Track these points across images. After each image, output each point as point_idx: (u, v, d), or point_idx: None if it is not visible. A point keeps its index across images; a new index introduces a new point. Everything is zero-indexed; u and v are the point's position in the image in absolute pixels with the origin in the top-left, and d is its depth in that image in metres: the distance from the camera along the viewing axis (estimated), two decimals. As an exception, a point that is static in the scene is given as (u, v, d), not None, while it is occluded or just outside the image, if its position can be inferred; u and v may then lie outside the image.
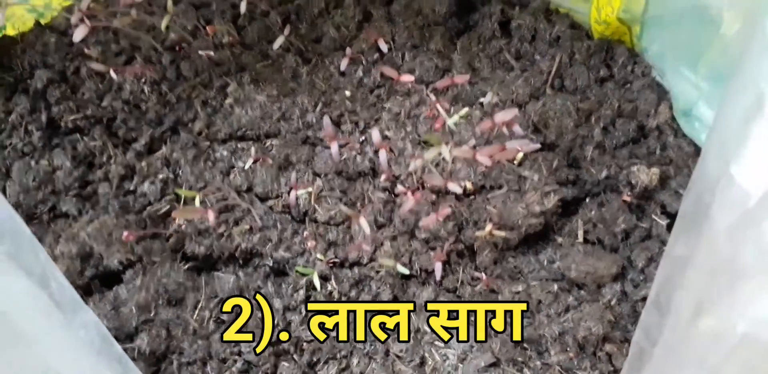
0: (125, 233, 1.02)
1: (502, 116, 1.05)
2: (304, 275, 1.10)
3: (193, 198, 1.04)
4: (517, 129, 1.08)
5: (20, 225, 0.79)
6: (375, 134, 1.08)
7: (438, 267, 1.06)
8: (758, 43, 0.69)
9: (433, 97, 1.25)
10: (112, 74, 1.12)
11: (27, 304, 0.76)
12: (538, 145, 1.07)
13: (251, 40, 1.32)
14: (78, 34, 1.08)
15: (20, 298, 0.76)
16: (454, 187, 1.05)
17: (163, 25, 1.17)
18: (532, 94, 1.27)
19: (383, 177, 1.17)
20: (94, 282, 1.07)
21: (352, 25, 1.37)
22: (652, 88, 1.27)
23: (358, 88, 1.30)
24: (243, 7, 1.21)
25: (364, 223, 1.03)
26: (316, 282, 1.05)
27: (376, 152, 1.22)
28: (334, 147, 1.10)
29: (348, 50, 1.24)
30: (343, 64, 1.23)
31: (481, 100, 1.26)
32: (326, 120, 1.08)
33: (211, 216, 0.97)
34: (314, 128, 1.24)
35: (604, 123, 1.23)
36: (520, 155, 1.15)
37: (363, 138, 1.24)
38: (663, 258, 0.91)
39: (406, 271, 1.07)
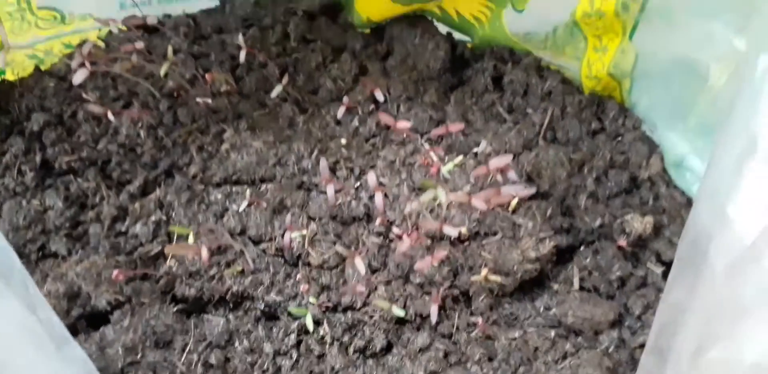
0: (115, 272, 1.00)
1: (496, 162, 1.06)
2: (296, 318, 1.08)
3: (187, 236, 1.03)
4: (512, 174, 1.08)
5: (11, 256, 0.78)
6: (371, 177, 1.08)
7: (434, 310, 1.04)
8: (747, 89, 0.72)
9: (427, 146, 1.27)
10: (110, 116, 1.12)
11: (17, 332, 0.74)
12: (534, 190, 1.08)
13: (249, 89, 1.34)
14: (78, 77, 1.09)
15: (11, 326, 0.73)
16: (450, 231, 1.04)
17: (162, 72, 1.19)
18: (525, 145, 1.29)
19: (378, 221, 1.17)
20: (81, 322, 1.04)
21: (349, 78, 1.40)
22: (643, 140, 1.29)
23: (354, 137, 1.32)
24: (242, 57, 1.23)
25: (359, 264, 1.02)
26: (309, 325, 1.03)
27: (371, 197, 1.22)
28: (330, 190, 1.10)
29: (345, 99, 1.26)
30: (340, 112, 1.25)
31: (475, 149, 1.28)
32: (323, 163, 1.08)
33: (204, 252, 0.96)
34: (309, 174, 1.25)
35: (597, 173, 1.25)
36: (515, 202, 1.15)
37: (358, 184, 1.24)
38: (660, 303, 0.90)
39: (402, 313, 1.05)
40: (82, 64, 1.12)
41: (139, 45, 1.18)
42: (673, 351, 0.82)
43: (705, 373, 0.72)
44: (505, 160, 1.06)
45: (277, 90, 1.26)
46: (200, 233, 1.08)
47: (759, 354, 0.68)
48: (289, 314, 1.10)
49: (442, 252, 1.05)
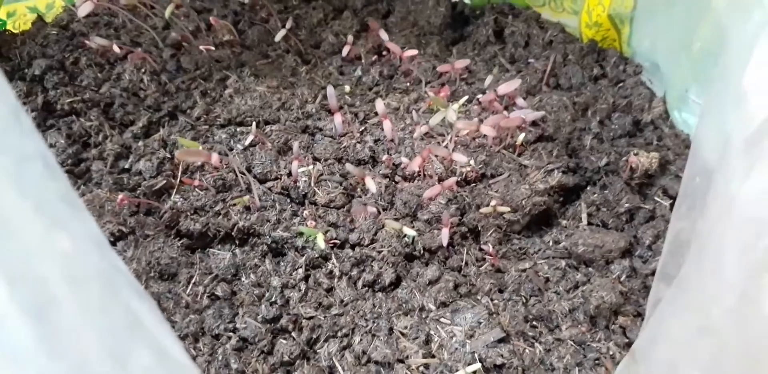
0: (120, 196, 0.98)
1: (505, 88, 1.06)
2: (303, 254, 1.06)
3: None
4: (520, 101, 1.08)
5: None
6: (379, 105, 1.07)
7: (445, 233, 1.03)
8: None
9: (432, 94, 1.27)
10: (115, 48, 1.12)
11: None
12: (543, 113, 1.07)
13: (251, 42, 1.34)
14: (83, 10, 1.09)
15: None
16: (459, 158, 1.04)
17: (167, 13, 1.19)
18: (528, 91, 1.29)
19: (384, 159, 1.16)
20: (84, 252, 1.02)
21: (351, 34, 1.40)
22: (644, 85, 1.30)
23: (357, 86, 1.31)
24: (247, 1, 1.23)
25: (370, 183, 1.00)
26: (321, 243, 1.01)
27: (376, 141, 1.21)
28: (338, 118, 1.09)
29: (350, 38, 1.25)
30: (344, 51, 1.24)
31: (479, 96, 1.27)
32: (330, 90, 1.07)
33: (215, 157, 0.94)
34: (314, 118, 1.24)
35: (601, 117, 1.25)
36: (521, 138, 1.15)
37: (362, 128, 1.23)
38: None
39: (413, 233, 1.03)
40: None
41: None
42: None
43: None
44: (514, 84, 1.06)
45: (280, 34, 1.26)
46: (224, 179, 1.06)
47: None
48: (296, 250, 1.08)
49: (451, 181, 1.04)
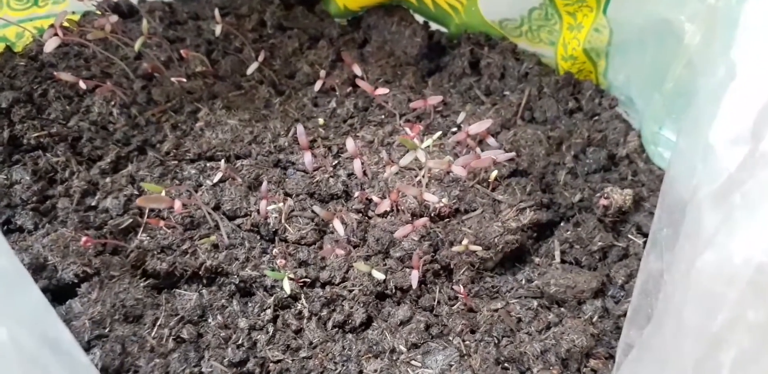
0: (84, 238, 0.96)
1: (475, 128, 1.05)
2: (272, 293, 1.04)
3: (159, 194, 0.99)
4: (492, 141, 1.07)
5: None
6: (350, 143, 1.06)
7: (415, 276, 1.01)
8: (724, 19, 0.71)
9: (406, 127, 1.26)
10: (81, 84, 1.10)
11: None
12: (513, 155, 1.06)
13: (224, 72, 1.33)
14: (49, 46, 1.07)
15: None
16: (430, 197, 1.02)
17: (137, 46, 1.17)
18: (503, 125, 1.28)
19: (357, 195, 1.14)
20: (47, 295, 0.99)
21: (326, 64, 1.39)
22: (620, 119, 1.29)
23: (332, 118, 1.30)
24: (218, 31, 1.22)
25: (338, 226, 0.99)
26: (286, 288, 0.99)
27: (349, 175, 1.20)
28: (308, 157, 1.08)
29: (322, 73, 1.24)
30: (317, 86, 1.23)
31: (453, 129, 1.27)
32: (300, 128, 1.06)
33: (177, 204, 0.92)
34: (286, 152, 1.22)
35: (575, 151, 1.24)
36: (494, 174, 1.14)
37: (336, 162, 1.22)
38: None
39: (382, 276, 1.02)
40: (55, 34, 1.10)
41: (113, 18, 1.17)
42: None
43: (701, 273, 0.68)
44: (484, 124, 1.05)
45: (252, 67, 1.25)
46: (171, 189, 1.04)
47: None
48: (265, 289, 1.06)
49: (422, 220, 1.03)
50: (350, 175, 1.20)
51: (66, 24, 1.36)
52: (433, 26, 1.52)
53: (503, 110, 1.30)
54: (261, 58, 1.26)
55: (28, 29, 1.30)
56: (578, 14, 1.26)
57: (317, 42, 1.44)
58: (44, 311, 0.78)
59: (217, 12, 1.24)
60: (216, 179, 1.12)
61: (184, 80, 1.24)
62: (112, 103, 1.20)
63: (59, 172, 1.13)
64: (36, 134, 1.15)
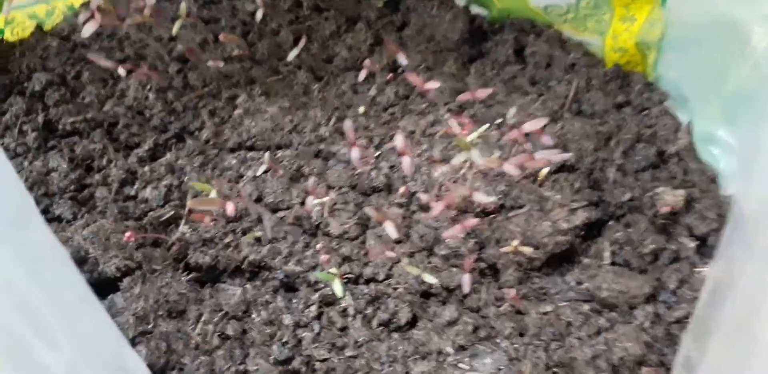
0: (127, 233, 0.93)
1: (530, 126, 1.01)
2: (316, 289, 1.02)
3: (207, 194, 0.96)
4: (546, 139, 1.04)
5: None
6: (399, 139, 1.02)
7: (466, 280, 0.99)
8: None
9: (449, 116, 1.22)
10: (120, 70, 1.05)
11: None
12: (568, 156, 1.03)
13: (261, 55, 1.28)
14: (87, 30, 1.02)
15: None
16: (481, 198, 0.99)
17: (174, 30, 1.12)
18: (550, 117, 1.24)
19: (401, 191, 1.11)
20: (88, 289, 0.97)
21: (364, 48, 1.35)
22: (670, 115, 1.25)
23: (372, 106, 1.26)
24: (259, 15, 1.17)
25: (390, 229, 0.96)
26: (338, 292, 0.96)
27: (391, 167, 1.17)
28: (355, 152, 1.04)
29: (367, 62, 1.20)
30: (361, 76, 1.18)
31: (499, 120, 1.23)
32: (347, 124, 1.02)
33: (230, 207, 0.89)
34: (327, 142, 1.19)
35: (624, 147, 1.21)
36: (544, 172, 1.11)
37: (378, 153, 1.18)
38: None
39: (434, 280, 0.99)
40: (91, 17, 1.05)
41: (151, 1, 1.12)
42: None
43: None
44: (539, 123, 1.01)
45: (293, 54, 1.20)
46: (221, 187, 1.01)
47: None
48: (309, 285, 1.04)
49: (471, 221, 1.00)
50: (392, 167, 1.17)
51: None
52: (473, 9, 1.47)
53: (550, 102, 1.26)
54: (302, 43, 1.21)
55: (59, 7, 1.25)
56: (633, 6, 1.21)
57: (354, 24, 1.40)
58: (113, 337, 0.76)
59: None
60: (259, 171, 1.09)
61: (222, 64, 1.20)
62: (148, 87, 1.16)
63: (96, 160, 1.09)
64: (72, 119, 1.11)
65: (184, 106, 1.18)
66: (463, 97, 1.12)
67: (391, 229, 0.96)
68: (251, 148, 1.16)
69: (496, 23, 1.45)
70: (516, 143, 1.12)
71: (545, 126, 1.21)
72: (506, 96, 1.29)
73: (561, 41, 1.36)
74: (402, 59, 1.20)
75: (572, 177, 1.15)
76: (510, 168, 0.99)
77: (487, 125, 1.16)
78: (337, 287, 0.96)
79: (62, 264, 0.85)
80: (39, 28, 1.24)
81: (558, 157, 1.01)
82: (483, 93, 1.12)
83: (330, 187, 1.13)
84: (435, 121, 1.23)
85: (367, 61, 1.21)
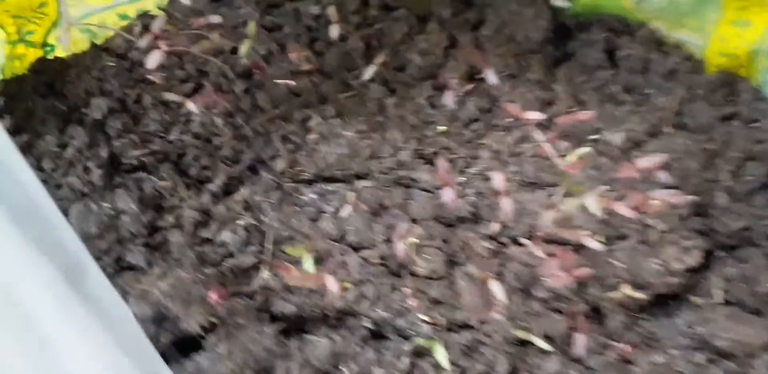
0: (212, 293, 0.87)
1: (646, 161, 0.91)
2: (406, 337, 0.95)
3: (299, 257, 0.88)
4: (664, 176, 0.94)
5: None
6: (497, 178, 0.93)
7: (581, 342, 0.91)
8: None
9: (538, 132, 1.12)
10: (191, 106, 0.97)
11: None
12: (692, 198, 0.93)
13: (331, 67, 1.18)
14: (152, 61, 0.93)
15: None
16: (592, 244, 0.91)
17: (243, 50, 1.03)
18: (649, 132, 1.14)
19: (495, 228, 1.03)
20: (171, 349, 0.91)
21: (438, 52, 1.24)
22: (783, 127, 1.14)
23: (452, 122, 1.16)
24: (333, 33, 1.06)
25: (498, 291, 0.88)
26: (443, 361, 0.90)
27: (478, 194, 1.08)
28: (448, 193, 0.95)
29: (443, 71, 1.09)
30: (449, 99, 1.08)
31: (593, 136, 1.13)
32: (441, 163, 0.93)
33: (331, 283, 0.82)
34: (407, 167, 1.10)
35: (733, 166, 1.10)
36: (655, 203, 1.01)
37: (463, 179, 1.10)
38: None
39: (547, 347, 0.92)
40: (155, 45, 0.96)
41: (215, 19, 1.02)
42: None
43: None
44: (657, 158, 0.91)
45: (370, 71, 1.10)
46: (313, 247, 0.93)
47: None
48: (398, 332, 0.98)
49: (570, 258, 0.91)
50: (479, 193, 1.08)
51: (155, 8, 1.22)
52: (554, 1, 1.34)
53: (648, 114, 1.15)
54: (379, 60, 1.11)
55: (111, 17, 1.16)
56: (749, 10, 1.08)
57: (426, 24, 1.28)
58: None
59: (334, 12, 1.09)
60: (345, 212, 1.01)
61: (293, 83, 1.10)
62: (215, 110, 1.07)
63: (167, 198, 1.02)
64: (137, 153, 1.03)
65: (254, 130, 1.09)
66: (563, 120, 1.02)
67: (500, 293, 0.88)
68: (329, 179, 1.07)
69: (580, 17, 1.32)
70: (627, 176, 1.02)
71: (642, 142, 1.12)
72: (599, 106, 1.18)
73: (658, 43, 1.23)
74: (491, 78, 1.09)
75: (671, 181, 1.04)
76: (625, 211, 0.90)
77: (588, 149, 1.06)
78: (442, 357, 0.89)
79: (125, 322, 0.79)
80: (94, 45, 1.14)
81: (680, 199, 0.91)
82: (586, 116, 1.02)
83: (413, 221, 1.05)
84: (523, 138, 1.14)
85: (443, 71, 1.11)
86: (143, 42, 0.98)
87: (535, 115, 0.95)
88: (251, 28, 1.03)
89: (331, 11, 1.07)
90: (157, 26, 0.97)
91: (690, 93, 1.17)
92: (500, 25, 1.29)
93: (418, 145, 1.12)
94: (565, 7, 1.32)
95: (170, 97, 0.99)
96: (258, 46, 1.17)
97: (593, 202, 0.86)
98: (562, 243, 1.02)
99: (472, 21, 1.31)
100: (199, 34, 1.02)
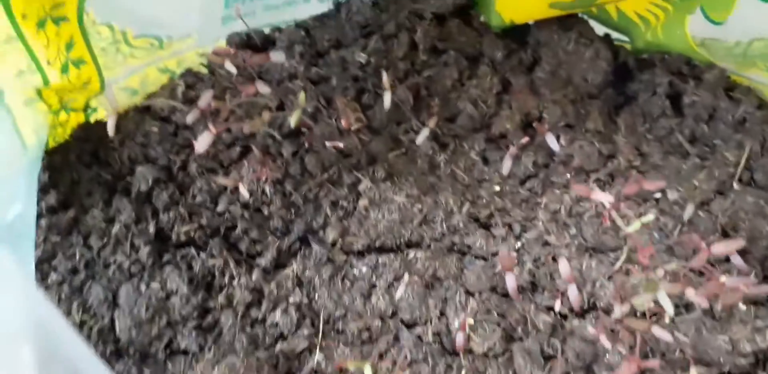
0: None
1: (724, 247, 0.86)
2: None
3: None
4: (739, 261, 0.89)
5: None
6: (563, 265, 0.89)
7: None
8: None
9: (598, 191, 1.07)
10: (242, 190, 0.95)
11: None
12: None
13: (379, 122, 1.14)
14: (202, 143, 0.90)
15: None
16: (663, 335, 0.86)
17: (293, 121, 0.99)
18: (717, 190, 1.07)
19: (555, 299, 0.99)
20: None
21: (491, 100, 1.18)
22: None
23: (507, 180, 1.11)
24: (387, 101, 1.02)
25: (558, 368, 0.84)
26: None
27: (535, 261, 1.04)
28: (511, 280, 0.91)
29: (495, 121, 1.04)
30: (506, 166, 1.03)
31: (657, 195, 1.07)
32: (503, 253, 0.89)
33: None
34: (461, 233, 1.06)
35: (807, 228, 1.04)
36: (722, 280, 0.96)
37: (519, 244, 1.05)
38: None
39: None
40: (204, 124, 0.93)
41: (263, 89, 0.98)
42: None
43: None
44: (735, 244, 0.86)
45: (424, 133, 1.06)
46: (371, 330, 0.91)
47: None
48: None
49: (653, 362, 0.87)
50: (536, 260, 1.04)
51: (192, 58, 1.18)
52: (613, 35, 1.27)
53: (716, 169, 1.08)
54: (432, 123, 1.06)
55: (152, 73, 1.12)
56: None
57: (477, 66, 1.22)
58: None
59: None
60: (397, 286, 0.98)
61: (341, 146, 1.06)
62: (264, 178, 1.04)
63: (217, 277, 1.00)
64: (185, 228, 1.01)
65: (304, 197, 1.06)
66: (629, 190, 0.97)
67: None
68: (381, 250, 1.04)
69: (640, 54, 1.24)
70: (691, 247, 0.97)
71: (708, 201, 1.06)
72: (662, 158, 1.12)
73: (728, 88, 1.15)
74: (552, 143, 1.04)
75: (746, 268, 0.99)
76: (698, 299, 0.86)
77: (652, 216, 1.01)
78: None
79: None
80: (137, 108, 1.11)
81: (757, 289, 0.85)
82: (654, 186, 0.96)
83: (469, 293, 1.01)
84: (582, 197, 1.08)
85: (496, 120, 1.07)
86: (190, 117, 0.95)
87: (602, 197, 0.90)
88: (301, 98, 0.99)
89: (385, 78, 1.02)
90: (204, 102, 0.94)
91: (761, 145, 1.10)
92: (556, 65, 1.22)
93: (472, 208, 1.07)
94: (623, 39, 1.25)
95: (225, 182, 0.97)
96: (305, 103, 1.12)
97: (666, 301, 0.82)
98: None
99: (526, 62, 1.24)
100: (248, 108, 0.99)
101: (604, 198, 0.90)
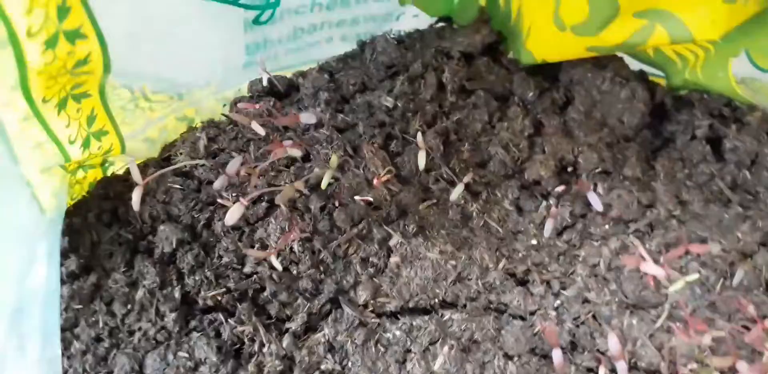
0: None
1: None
2: None
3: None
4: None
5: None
6: (613, 343, 0.85)
7: None
8: None
9: (637, 242, 1.03)
10: (273, 261, 0.91)
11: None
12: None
13: (408, 171, 1.09)
14: (233, 216, 0.87)
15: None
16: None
17: (324, 184, 0.95)
18: (761, 241, 1.03)
19: (596, 360, 0.95)
20: None
21: (523, 143, 1.14)
22: None
23: (542, 229, 1.07)
24: (422, 161, 0.98)
25: None
26: None
27: (575, 319, 1.00)
28: (558, 356, 0.88)
29: (528, 168, 1.01)
30: (547, 229, 0.99)
31: (700, 257, 1.03)
32: (557, 353, 0.85)
33: None
34: (497, 291, 1.02)
35: None
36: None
37: (558, 302, 1.01)
38: None
39: None
40: (235, 195, 0.89)
41: (294, 152, 0.94)
42: None
43: None
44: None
45: (458, 190, 1.02)
46: None
47: None
48: None
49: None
50: (575, 318, 1.00)
51: (210, 105, 1.14)
52: (647, 69, 1.22)
53: (759, 219, 1.04)
54: (467, 179, 1.02)
55: (172, 121, 1.08)
56: None
57: (507, 107, 1.17)
58: None
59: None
60: (433, 352, 0.95)
61: (370, 200, 1.02)
62: (292, 237, 0.99)
63: (246, 345, 0.96)
64: (212, 293, 0.97)
65: (333, 254, 1.01)
66: (672, 255, 0.93)
67: None
68: (414, 311, 1.00)
69: (678, 90, 1.20)
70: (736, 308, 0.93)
71: (752, 256, 1.02)
72: (703, 207, 1.07)
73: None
74: (594, 200, 1.00)
75: None
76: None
77: (697, 275, 0.97)
78: None
79: None
80: (157, 164, 1.07)
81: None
82: (700, 249, 0.92)
83: (508, 357, 0.97)
84: (621, 248, 1.04)
85: (529, 166, 1.03)
86: (218, 185, 0.92)
87: (653, 269, 0.86)
88: (333, 160, 0.95)
89: (420, 137, 0.98)
90: (232, 169, 0.90)
91: (809, 194, 1.06)
92: (590, 106, 1.18)
93: (508, 263, 1.03)
94: (659, 75, 1.21)
95: (256, 254, 0.93)
96: (330, 151, 1.08)
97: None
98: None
99: (558, 102, 1.20)
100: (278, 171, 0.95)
101: (656, 271, 0.86)
